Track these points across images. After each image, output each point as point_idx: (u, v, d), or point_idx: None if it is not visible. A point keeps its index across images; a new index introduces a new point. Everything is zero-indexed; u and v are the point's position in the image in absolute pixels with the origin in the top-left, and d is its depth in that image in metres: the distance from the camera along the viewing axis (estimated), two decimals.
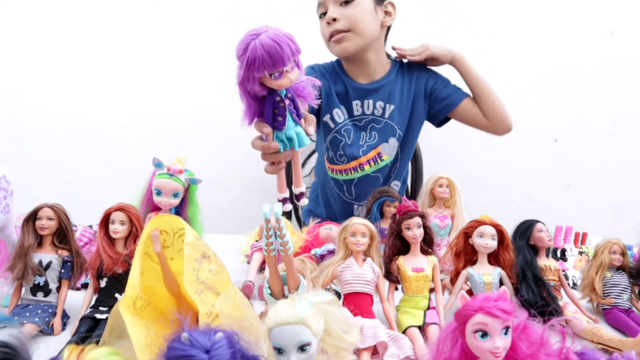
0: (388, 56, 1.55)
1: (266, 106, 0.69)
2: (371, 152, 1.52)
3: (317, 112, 1.56)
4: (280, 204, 0.71)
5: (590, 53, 2.02)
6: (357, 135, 1.53)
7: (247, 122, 0.72)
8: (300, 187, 0.78)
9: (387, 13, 1.46)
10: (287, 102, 0.70)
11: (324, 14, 1.41)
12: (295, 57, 0.66)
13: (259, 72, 0.63)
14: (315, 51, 1.58)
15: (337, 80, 1.52)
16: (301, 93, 0.72)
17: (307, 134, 0.74)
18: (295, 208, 1.89)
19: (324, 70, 1.54)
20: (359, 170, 1.54)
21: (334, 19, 1.37)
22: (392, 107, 1.49)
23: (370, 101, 1.49)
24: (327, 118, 1.54)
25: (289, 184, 1.35)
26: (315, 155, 1.79)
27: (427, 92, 1.51)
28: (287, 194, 0.78)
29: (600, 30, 2.01)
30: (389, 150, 1.52)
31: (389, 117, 1.50)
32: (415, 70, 1.52)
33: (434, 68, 1.54)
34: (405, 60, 1.54)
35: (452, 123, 2.06)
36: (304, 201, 0.79)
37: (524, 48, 2.02)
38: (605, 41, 2.01)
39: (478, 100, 1.49)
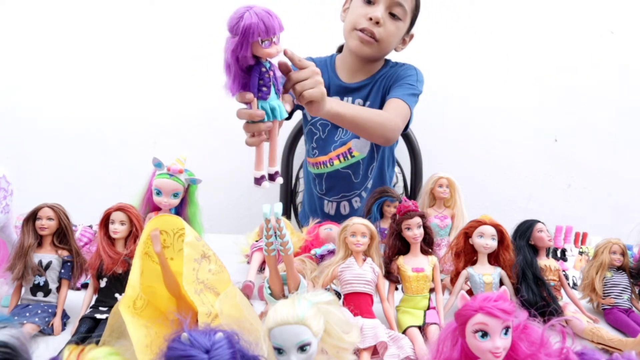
0: (385, 60, 1.55)
1: (252, 76, 0.75)
2: (342, 147, 1.52)
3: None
4: (281, 204, 0.71)
5: (590, 53, 2.02)
6: (334, 132, 1.53)
7: (232, 93, 0.76)
8: (275, 166, 0.81)
9: (403, 42, 1.49)
10: (271, 73, 0.76)
11: (370, 1, 1.37)
12: (281, 32, 0.73)
13: (253, 38, 0.69)
14: (315, 48, 1.59)
15: (323, 75, 1.51)
16: (277, 73, 0.79)
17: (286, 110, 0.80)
18: (295, 208, 1.90)
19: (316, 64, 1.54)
20: (328, 165, 1.55)
21: (378, 22, 1.36)
22: (368, 103, 1.49)
23: (350, 99, 1.50)
24: (305, 110, 1.55)
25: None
26: None
27: (387, 87, 1.49)
28: (264, 172, 0.79)
29: (600, 30, 2.01)
30: (360, 146, 1.51)
31: None
32: (397, 68, 1.51)
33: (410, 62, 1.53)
34: (397, 62, 1.54)
35: (454, 122, 2.07)
36: (279, 180, 0.81)
37: (524, 48, 2.02)
38: (605, 41, 2.01)
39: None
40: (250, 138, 0.80)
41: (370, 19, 1.35)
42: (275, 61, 0.79)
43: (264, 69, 0.75)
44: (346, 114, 1.10)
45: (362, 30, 1.38)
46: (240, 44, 0.70)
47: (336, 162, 1.53)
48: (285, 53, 0.76)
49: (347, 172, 1.55)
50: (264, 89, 0.76)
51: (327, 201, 1.61)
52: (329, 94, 1.49)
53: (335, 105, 1.05)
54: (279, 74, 0.79)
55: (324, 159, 1.55)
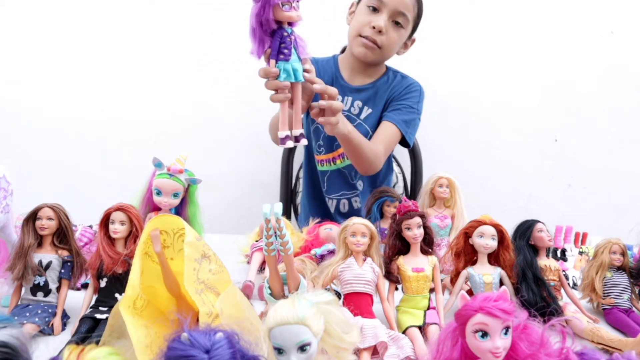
0: (386, 66, 1.61)
1: (274, 39, 0.82)
2: (342, 147, 1.55)
3: None
4: (281, 204, 0.71)
5: (590, 53, 2.02)
6: None
7: (258, 56, 0.83)
8: (299, 128, 0.86)
9: (405, 46, 1.54)
10: (292, 38, 0.82)
11: (375, 9, 1.41)
12: None
13: (275, 1, 0.76)
14: (320, 47, 1.59)
15: (327, 73, 1.58)
16: (299, 42, 0.84)
17: (306, 70, 0.87)
18: (295, 208, 1.89)
19: (316, 64, 1.58)
20: (331, 163, 1.60)
21: (380, 31, 1.41)
22: (370, 110, 1.55)
23: (350, 98, 1.55)
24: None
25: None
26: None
27: (389, 100, 1.55)
28: (288, 132, 0.85)
29: (600, 30, 2.01)
30: None
31: (364, 119, 1.55)
32: (400, 82, 1.57)
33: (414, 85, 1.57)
34: (398, 71, 1.60)
35: (454, 122, 2.07)
36: (304, 141, 0.87)
37: (524, 48, 2.02)
38: (605, 41, 2.01)
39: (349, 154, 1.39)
40: (275, 95, 0.85)
41: (374, 27, 1.41)
42: (296, 29, 0.84)
43: (285, 34, 0.81)
44: (353, 139, 1.24)
45: (365, 37, 1.44)
46: (263, 7, 0.77)
47: (338, 161, 1.59)
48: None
49: (345, 172, 1.61)
50: (285, 51, 0.82)
51: (328, 198, 1.66)
52: None
53: (350, 128, 1.21)
54: (301, 42, 0.84)
55: (329, 157, 1.60)
